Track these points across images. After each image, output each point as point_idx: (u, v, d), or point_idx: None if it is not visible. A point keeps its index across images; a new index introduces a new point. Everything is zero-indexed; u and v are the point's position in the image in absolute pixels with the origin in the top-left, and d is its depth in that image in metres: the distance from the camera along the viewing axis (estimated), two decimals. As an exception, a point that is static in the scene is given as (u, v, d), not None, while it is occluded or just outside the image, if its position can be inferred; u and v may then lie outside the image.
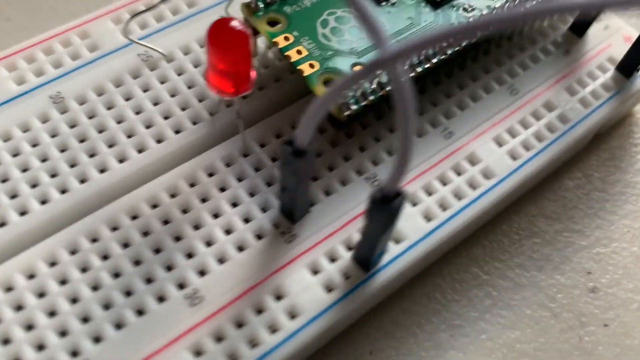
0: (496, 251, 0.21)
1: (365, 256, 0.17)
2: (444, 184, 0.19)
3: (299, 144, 0.15)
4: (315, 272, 0.17)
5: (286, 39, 0.19)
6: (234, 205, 0.18)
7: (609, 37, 0.23)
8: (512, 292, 0.20)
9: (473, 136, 0.20)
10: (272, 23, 0.19)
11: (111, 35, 0.21)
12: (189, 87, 0.20)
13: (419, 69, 0.19)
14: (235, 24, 0.16)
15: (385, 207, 0.15)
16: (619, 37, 0.23)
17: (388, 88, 0.18)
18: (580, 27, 0.23)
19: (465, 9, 0.20)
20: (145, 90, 0.20)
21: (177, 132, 0.19)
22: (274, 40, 0.19)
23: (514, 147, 0.20)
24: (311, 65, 0.18)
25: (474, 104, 0.21)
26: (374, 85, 0.18)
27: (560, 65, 0.22)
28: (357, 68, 0.19)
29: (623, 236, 0.22)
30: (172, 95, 0.20)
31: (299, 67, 0.18)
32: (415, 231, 0.18)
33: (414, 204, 0.19)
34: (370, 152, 0.19)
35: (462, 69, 0.21)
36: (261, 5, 0.19)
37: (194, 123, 0.19)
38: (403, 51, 0.12)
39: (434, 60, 0.19)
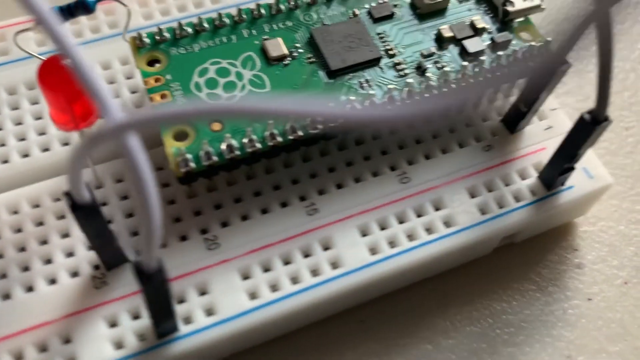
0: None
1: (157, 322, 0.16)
2: (286, 263, 0.18)
3: (76, 198, 0.14)
4: (112, 325, 0.17)
5: (157, 80, 0.18)
6: (65, 236, 0.18)
7: (548, 139, 0.21)
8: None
9: (338, 218, 0.19)
10: (154, 62, 0.19)
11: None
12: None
13: (280, 139, 0.18)
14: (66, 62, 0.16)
15: (147, 281, 0.14)
16: (559, 140, 0.21)
17: (237, 152, 0.17)
18: (512, 121, 0.21)
19: (361, 86, 0.19)
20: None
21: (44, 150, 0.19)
22: (144, 79, 0.18)
23: (377, 240, 0.19)
24: (168, 114, 0.18)
25: (354, 185, 0.19)
26: (223, 147, 0.17)
27: (474, 162, 0.20)
28: (216, 126, 0.18)
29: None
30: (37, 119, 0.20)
31: (156, 113, 0.18)
32: (234, 307, 0.17)
33: (245, 278, 0.18)
34: (220, 212, 0.19)
35: (358, 144, 0.20)
36: (148, 41, 0.19)
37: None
38: (129, 123, 0.11)
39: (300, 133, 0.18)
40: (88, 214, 0.15)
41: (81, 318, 0.17)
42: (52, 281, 0.17)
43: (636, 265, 0.22)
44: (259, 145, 0.17)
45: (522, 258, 0.21)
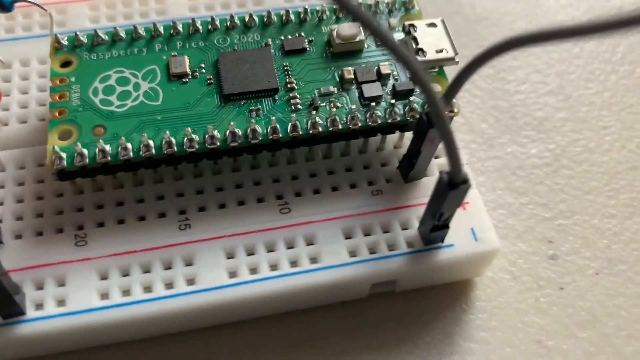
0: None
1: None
2: (145, 271, 0.19)
3: None
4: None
5: (61, 81, 0.20)
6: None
7: (444, 195, 0.21)
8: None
9: (208, 237, 0.19)
10: (68, 64, 0.20)
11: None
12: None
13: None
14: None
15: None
16: (455, 198, 0.21)
17: (108, 158, 0.18)
18: (404, 171, 0.21)
19: (251, 113, 0.19)
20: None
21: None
22: (51, 78, 0.20)
23: (239, 264, 0.19)
24: (60, 112, 0.19)
25: (234, 207, 0.20)
26: (97, 150, 0.18)
27: (359, 204, 0.20)
28: (99, 131, 0.19)
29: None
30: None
31: (50, 110, 0.19)
32: (83, 303, 0.18)
33: (103, 278, 0.19)
34: (100, 212, 0.20)
35: (253, 168, 0.21)
36: (66, 44, 0.20)
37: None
38: None
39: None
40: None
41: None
42: None
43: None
44: (130, 154, 0.18)
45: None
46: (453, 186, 0.17)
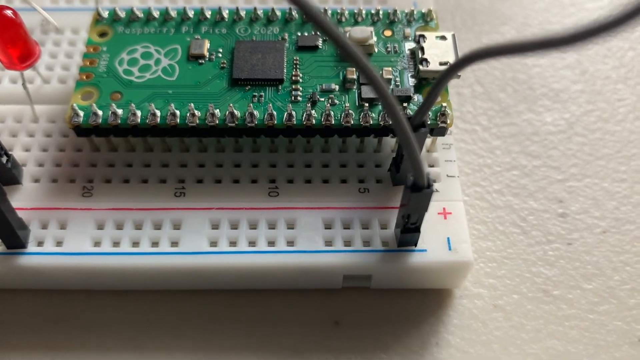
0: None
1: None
2: (137, 227, 0.21)
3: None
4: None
5: (95, 49, 0.22)
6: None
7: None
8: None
9: (198, 207, 0.21)
10: (104, 34, 0.22)
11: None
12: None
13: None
14: (6, 12, 0.20)
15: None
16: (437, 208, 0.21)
17: (118, 121, 0.20)
18: (392, 174, 0.21)
19: (253, 99, 0.21)
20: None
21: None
22: (87, 46, 0.22)
23: (221, 236, 0.20)
24: (87, 76, 0.21)
25: (229, 184, 0.22)
26: (110, 112, 0.20)
27: (344, 198, 0.21)
28: (116, 96, 0.21)
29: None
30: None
31: (80, 73, 0.21)
32: (78, 246, 0.20)
33: (99, 228, 0.21)
34: (109, 169, 0.22)
35: (254, 151, 0.22)
36: (106, 17, 0.23)
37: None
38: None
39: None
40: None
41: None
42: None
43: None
44: (138, 121, 0.20)
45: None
46: (416, 189, 0.18)
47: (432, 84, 0.18)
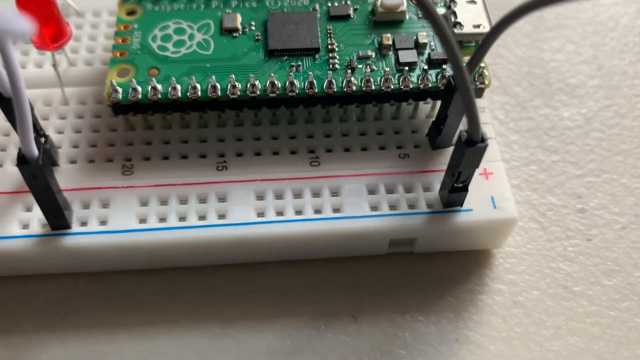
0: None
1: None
2: (181, 202, 0.21)
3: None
4: (27, 210, 0.20)
5: (125, 27, 0.22)
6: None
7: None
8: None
9: (243, 179, 0.21)
10: (133, 13, 0.22)
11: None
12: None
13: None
14: (40, -10, 0.20)
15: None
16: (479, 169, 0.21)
17: (159, 96, 0.20)
18: (432, 138, 0.22)
19: (291, 68, 0.21)
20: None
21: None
22: (117, 24, 0.22)
23: (267, 206, 0.20)
24: (121, 54, 0.21)
25: (269, 156, 0.21)
26: (149, 87, 0.20)
27: (385, 164, 0.21)
28: (153, 72, 0.21)
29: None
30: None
31: (113, 51, 0.21)
32: (122, 224, 0.20)
33: (143, 205, 0.20)
34: (147, 147, 0.22)
35: (290, 123, 0.22)
36: (134, -5, 0.23)
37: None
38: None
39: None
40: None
41: (10, 199, 0.20)
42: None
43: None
44: (179, 95, 0.20)
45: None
46: (470, 143, 0.18)
47: (480, 43, 0.18)
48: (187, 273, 0.21)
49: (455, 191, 0.20)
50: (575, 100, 0.26)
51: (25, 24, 0.13)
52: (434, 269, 0.22)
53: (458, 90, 0.18)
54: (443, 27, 0.15)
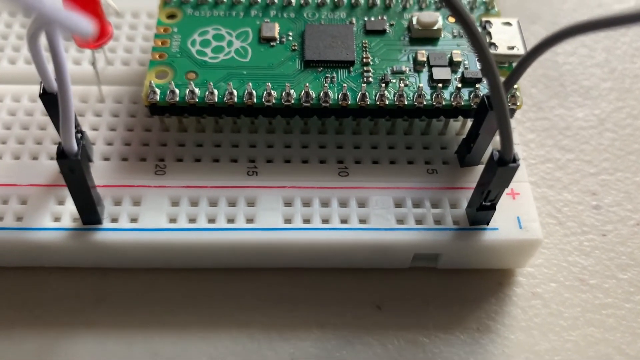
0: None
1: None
2: (211, 204, 0.21)
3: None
4: (60, 203, 0.21)
5: (165, 30, 0.22)
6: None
7: (496, 183, 0.22)
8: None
9: (271, 185, 0.21)
10: (172, 17, 0.23)
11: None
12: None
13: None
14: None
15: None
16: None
17: (196, 100, 0.21)
18: (461, 155, 0.22)
19: (326, 79, 0.21)
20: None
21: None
22: (157, 27, 0.22)
23: (295, 213, 0.21)
24: (160, 56, 0.22)
25: (299, 164, 0.22)
26: (187, 91, 0.21)
27: (413, 179, 0.22)
28: (191, 75, 0.21)
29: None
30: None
31: (152, 52, 0.22)
32: (153, 223, 0.20)
33: (174, 204, 0.21)
34: (180, 149, 0.22)
35: (320, 133, 0.22)
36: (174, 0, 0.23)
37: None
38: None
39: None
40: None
41: (44, 191, 0.21)
42: (35, 158, 0.22)
43: None
44: (215, 99, 0.21)
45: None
46: (502, 163, 0.18)
47: (516, 65, 0.18)
48: (213, 275, 0.21)
49: (483, 209, 0.20)
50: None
51: (88, 25, 0.13)
52: (456, 286, 0.22)
53: (493, 110, 0.18)
54: (484, 46, 0.16)
